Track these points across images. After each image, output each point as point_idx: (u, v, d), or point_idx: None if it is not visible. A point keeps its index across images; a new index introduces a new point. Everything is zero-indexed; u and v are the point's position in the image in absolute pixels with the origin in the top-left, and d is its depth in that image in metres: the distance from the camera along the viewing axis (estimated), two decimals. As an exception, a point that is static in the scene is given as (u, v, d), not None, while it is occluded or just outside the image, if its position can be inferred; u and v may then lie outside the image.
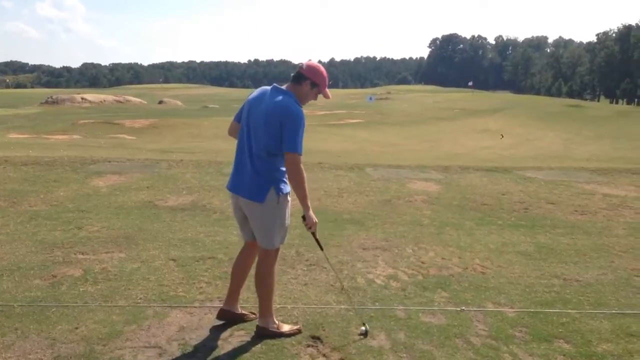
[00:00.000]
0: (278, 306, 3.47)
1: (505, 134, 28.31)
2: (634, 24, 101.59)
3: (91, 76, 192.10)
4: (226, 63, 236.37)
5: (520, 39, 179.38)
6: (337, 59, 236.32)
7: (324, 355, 2.96)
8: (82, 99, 51.02)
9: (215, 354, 2.97)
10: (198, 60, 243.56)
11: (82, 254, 4.55)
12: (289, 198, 3.07)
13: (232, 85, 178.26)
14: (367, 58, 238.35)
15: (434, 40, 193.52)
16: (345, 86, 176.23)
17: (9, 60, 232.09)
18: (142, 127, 26.64)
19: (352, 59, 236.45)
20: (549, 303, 3.75)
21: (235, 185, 3.11)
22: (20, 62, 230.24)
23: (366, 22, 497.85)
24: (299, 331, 3.19)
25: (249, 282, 3.25)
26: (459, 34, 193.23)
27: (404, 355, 2.97)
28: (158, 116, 32.66)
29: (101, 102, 51.65)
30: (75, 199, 6.65)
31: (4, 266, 4.20)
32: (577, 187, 8.41)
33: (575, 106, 47.03)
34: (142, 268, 4.23)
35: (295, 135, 2.89)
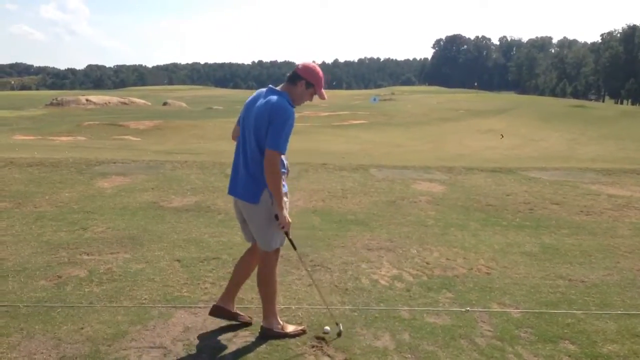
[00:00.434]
0: (282, 307, 3.48)
1: (510, 134, 28.17)
2: (638, 24, 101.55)
3: (96, 78, 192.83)
4: (230, 64, 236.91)
5: (525, 39, 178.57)
6: (341, 60, 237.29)
7: (328, 355, 2.96)
8: (87, 100, 51.26)
9: (220, 354, 2.97)
10: (202, 62, 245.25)
11: (87, 254, 4.57)
12: (285, 198, 3.06)
13: (236, 86, 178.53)
14: (371, 59, 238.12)
15: (437, 41, 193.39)
16: (349, 87, 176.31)
17: (14, 62, 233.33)
18: (146, 128, 26.72)
19: (355, 60, 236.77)
20: (554, 304, 3.74)
21: (233, 188, 3.13)
22: (25, 64, 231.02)
23: (370, 23, 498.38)
24: (303, 332, 3.19)
25: (254, 283, 3.26)
26: (463, 34, 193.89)
27: (409, 356, 2.97)
28: (162, 118, 32.74)
29: (106, 103, 51.89)
30: (81, 200, 6.68)
31: (9, 267, 4.22)
32: (582, 188, 8.38)
33: (580, 106, 46.78)
34: (147, 269, 4.25)
35: (280, 133, 2.87)
